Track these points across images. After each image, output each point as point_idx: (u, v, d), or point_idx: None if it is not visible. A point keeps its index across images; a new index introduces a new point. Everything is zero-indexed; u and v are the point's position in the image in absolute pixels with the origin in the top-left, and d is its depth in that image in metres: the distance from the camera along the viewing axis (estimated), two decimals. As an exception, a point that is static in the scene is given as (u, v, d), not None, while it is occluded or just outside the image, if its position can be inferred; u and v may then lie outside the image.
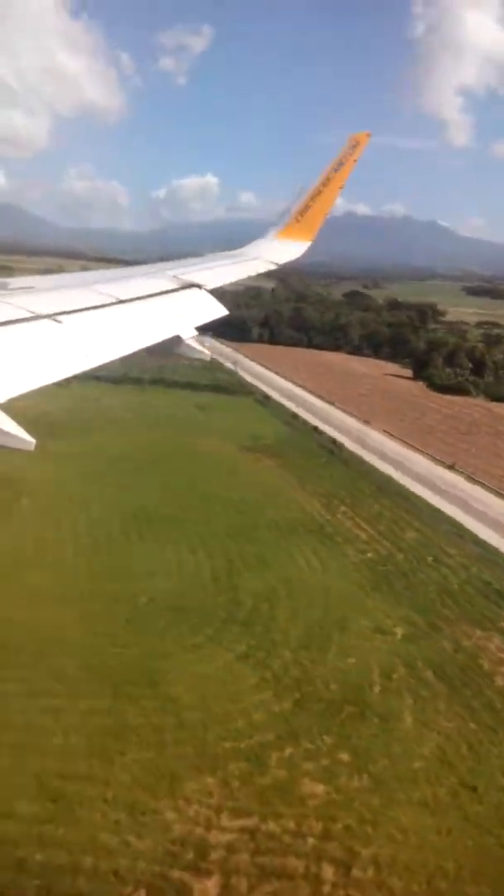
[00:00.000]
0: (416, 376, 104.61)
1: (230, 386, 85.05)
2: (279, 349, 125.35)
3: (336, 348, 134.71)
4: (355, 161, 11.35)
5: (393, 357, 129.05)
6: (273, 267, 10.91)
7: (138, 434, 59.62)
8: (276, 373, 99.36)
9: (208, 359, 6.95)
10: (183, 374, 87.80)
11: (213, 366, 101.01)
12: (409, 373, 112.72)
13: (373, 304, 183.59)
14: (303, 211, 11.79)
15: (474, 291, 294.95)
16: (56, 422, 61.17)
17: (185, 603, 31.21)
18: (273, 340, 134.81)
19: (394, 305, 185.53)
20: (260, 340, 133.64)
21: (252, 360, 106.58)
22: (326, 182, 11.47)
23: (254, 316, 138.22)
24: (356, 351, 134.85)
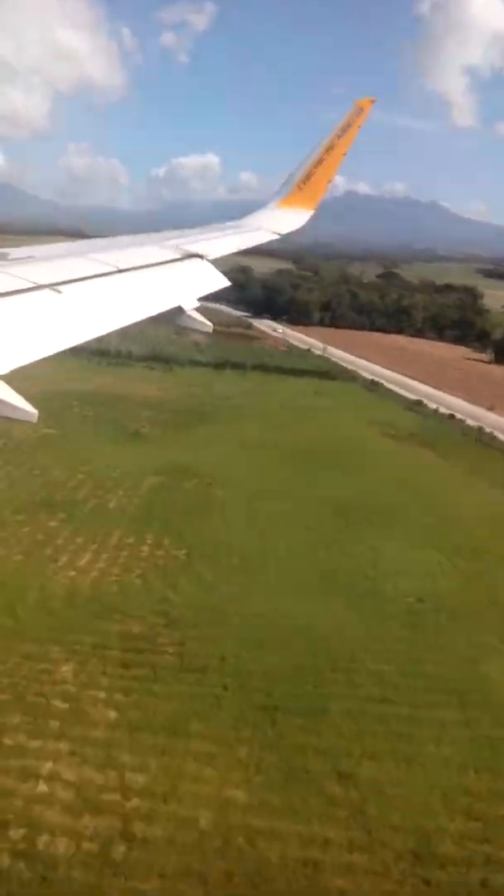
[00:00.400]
0: (501, 360, 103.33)
1: (330, 371, 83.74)
2: (345, 332, 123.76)
3: (398, 331, 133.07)
4: (359, 127, 11.08)
5: (459, 340, 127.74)
6: (275, 237, 10.69)
7: (275, 421, 58.54)
8: (358, 356, 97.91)
9: (210, 330, 6.65)
10: (280, 360, 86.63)
11: (301, 350, 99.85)
12: (482, 356, 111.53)
13: (417, 287, 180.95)
14: (305, 179, 11.44)
15: (490, 274, 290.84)
16: (184, 408, 60.40)
17: (453, 603, 30.32)
18: (334, 324, 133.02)
19: (438, 288, 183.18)
20: (321, 324, 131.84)
21: (326, 343, 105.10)
22: (330, 149, 11.11)
23: (314, 300, 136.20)
24: (418, 333, 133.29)
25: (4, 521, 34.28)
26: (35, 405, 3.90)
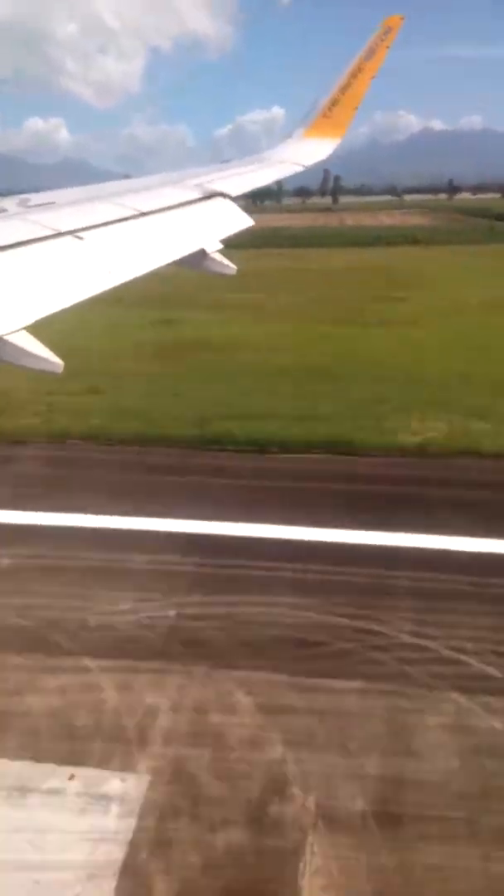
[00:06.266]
0: None
1: None
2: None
3: None
4: (388, 47, 10.38)
5: None
6: (300, 169, 10.02)
7: None
8: None
9: (233, 272, 6.24)
10: None
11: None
12: None
13: None
14: (331, 105, 10.73)
15: None
16: None
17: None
18: None
19: None
20: None
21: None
22: (357, 72, 10.40)
23: None
24: None
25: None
26: None
